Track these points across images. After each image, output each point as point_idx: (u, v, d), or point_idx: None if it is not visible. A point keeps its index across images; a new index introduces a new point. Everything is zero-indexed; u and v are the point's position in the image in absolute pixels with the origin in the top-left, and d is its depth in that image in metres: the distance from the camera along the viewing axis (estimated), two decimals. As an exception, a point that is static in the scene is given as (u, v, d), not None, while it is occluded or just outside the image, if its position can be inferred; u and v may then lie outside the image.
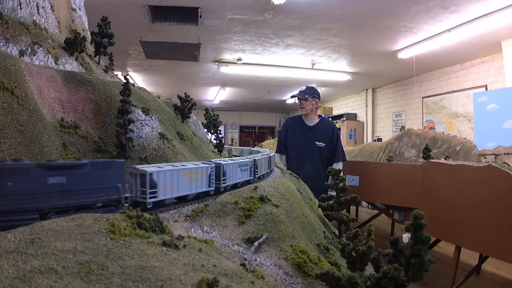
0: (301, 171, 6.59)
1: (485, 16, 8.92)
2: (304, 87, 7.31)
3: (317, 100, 7.24)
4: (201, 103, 24.64)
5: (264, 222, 2.00)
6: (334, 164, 6.94)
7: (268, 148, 13.13)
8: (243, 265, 1.51)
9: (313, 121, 7.16)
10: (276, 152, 7.43)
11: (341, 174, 6.75)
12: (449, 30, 10.03)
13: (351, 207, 10.56)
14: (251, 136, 31.56)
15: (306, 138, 7.00)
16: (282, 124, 7.74)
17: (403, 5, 8.77)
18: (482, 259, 7.04)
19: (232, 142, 29.85)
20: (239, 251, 1.73)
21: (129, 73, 16.97)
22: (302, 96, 7.10)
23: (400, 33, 10.75)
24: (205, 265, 1.29)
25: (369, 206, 12.89)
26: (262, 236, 1.86)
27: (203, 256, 1.40)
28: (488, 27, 9.41)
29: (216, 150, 4.41)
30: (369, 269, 1.61)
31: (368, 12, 9.27)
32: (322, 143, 6.92)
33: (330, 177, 3.18)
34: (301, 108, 7.16)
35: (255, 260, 1.69)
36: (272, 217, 2.03)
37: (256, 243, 1.77)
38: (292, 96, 7.40)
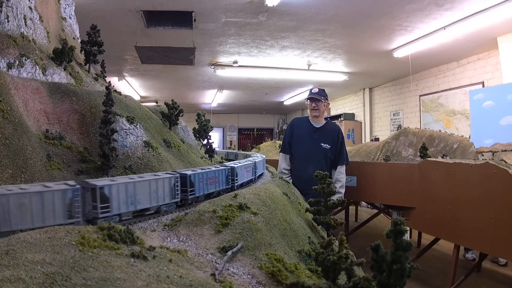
0: (305, 171, 6.63)
1: (480, 13, 8.90)
2: (316, 89, 7.31)
3: (328, 102, 7.28)
4: (198, 107, 24.72)
5: (240, 230, 2.00)
6: (338, 167, 6.97)
7: (266, 150, 13.21)
8: (213, 275, 1.52)
9: (319, 122, 7.17)
10: (280, 152, 7.50)
11: (343, 178, 6.83)
12: (444, 27, 10.02)
13: (350, 207, 10.57)
14: (250, 138, 31.58)
15: (312, 139, 7.00)
16: (287, 124, 7.72)
17: (398, 4, 8.77)
18: (482, 257, 7.06)
19: (230, 145, 29.82)
20: (212, 261, 1.73)
21: (126, 78, 16.99)
22: (319, 97, 7.11)
23: (395, 32, 10.74)
24: (171, 276, 1.30)
25: (369, 206, 12.92)
26: (237, 245, 1.86)
27: (171, 267, 1.41)
28: (483, 23, 9.39)
29: (206, 155, 4.42)
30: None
31: (363, 11, 9.27)
32: (327, 145, 6.93)
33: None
34: (315, 109, 7.15)
35: (228, 269, 1.69)
36: (249, 225, 2.03)
37: (229, 253, 1.78)
38: (308, 98, 7.35)
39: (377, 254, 1.48)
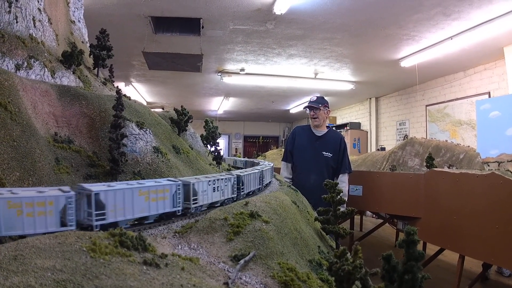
0: (306, 180, 6.60)
1: (487, 23, 8.88)
2: (314, 97, 7.30)
3: (328, 109, 7.24)
4: (205, 113, 24.70)
5: (252, 239, 1.97)
6: (340, 176, 6.93)
7: (272, 158, 13.18)
8: (226, 284, 1.49)
9: (321, 131, 7.15)
10: (282, 160, 7.47)
11: (345, 186, 6.76)
12: (451, 37, 9.99)
13: (355, 216, 10.52)
14: (255, 146, 31.53)
15: (314, 147, 6.98)
16: (290, 133, 7.69)
17: (405, 13, 8.76)
18: (486, 267, 7.01)
19: (236, 152, 29.81)
20: (224, 269, 1.70)
21: (133, 83, 17.01)
22: (316, 105, 7.08)
23: (403, 42, 10.73)
24: (184, 285, 1.27)
25: (374, 216, 12.86)
26: (249, 254, 1.83)
27: (184, 275, 1.38)
28: (490, 33, 9.38)
29: (214, 162, 4.39)
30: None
31: (370, 21, 9.27)
32: (329, 154, 6.89)
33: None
34: (314, 118, 7.13)
35: (240, 278, 1.66)
36: (261, 234, 2.01)
37: (242, 261, 1.75)
38: (306, 107, 7.36)
39: (389, 264, 1.46)
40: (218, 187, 2.70)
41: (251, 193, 3.34)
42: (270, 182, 4.11)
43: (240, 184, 3.05)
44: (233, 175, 2.95)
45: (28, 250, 1.32)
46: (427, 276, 1.45)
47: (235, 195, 2.97)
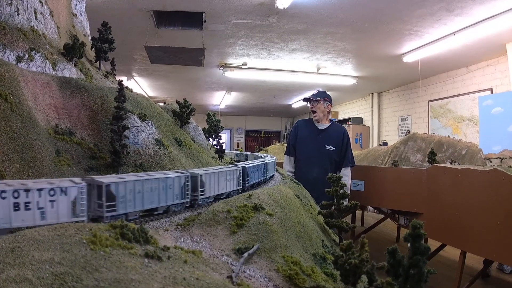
0: (309, 174, 6.58)
1: (489, 19, 8.86)
2: (316, 91, 7.30)
3: (329, 103, 7.20)
4: (206, 108, 24.66)
5: (256, 232, 1.94)
6: (343, 169, 6.92)
7: (274, 152, 13.17)
8: (229, 277, 1.46)
9: (324, 124, 7.13)
10: (285, 154, 7.47)
11: (348, 180, 6.73)
12: (454, 33, 9.96)
13: (356, 211, 10.51)
14: (257, 140, 31.53)
15: (316, 141, 6.96)
16: (292, 126, 7.69)
17: (408, 8, 8.73)
18: (488, 264, 6.99)
19: (238, 147, 29.81)
20: (228, 262, 1.68)
21: (135, 78, 17.00)
22: (314, 98, 7.06)
23: (405, 37, 10.70)
24: (187, 278, 1.24)
25: (375, 211, 12.86)
26: (253, 247, 1.81)
27: (187, 268, 1.35)
28: (492, 29, 9.35)
29: (216, 156, 4.36)
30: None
31: (373, 15, 9.23)
32: (332, 147, 6.87)
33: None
34: (313, 111, 7.12)
35: (244, 272, 1.64)
36: (265, 227, 1.98)
37: (245, 254, 1.72)
38: (305, 99, 7.36)
39: (394, 258, 1.44)
40: (28, 203, 1.54)
41: (174, 209, 2.25)
42: (239, 190, 3.01)
43: (103, 199, 1.76)
44: (103, 183, 1.75)
45: (26, 242, 1.28)
46: (432, 271, 1.43)
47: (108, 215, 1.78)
